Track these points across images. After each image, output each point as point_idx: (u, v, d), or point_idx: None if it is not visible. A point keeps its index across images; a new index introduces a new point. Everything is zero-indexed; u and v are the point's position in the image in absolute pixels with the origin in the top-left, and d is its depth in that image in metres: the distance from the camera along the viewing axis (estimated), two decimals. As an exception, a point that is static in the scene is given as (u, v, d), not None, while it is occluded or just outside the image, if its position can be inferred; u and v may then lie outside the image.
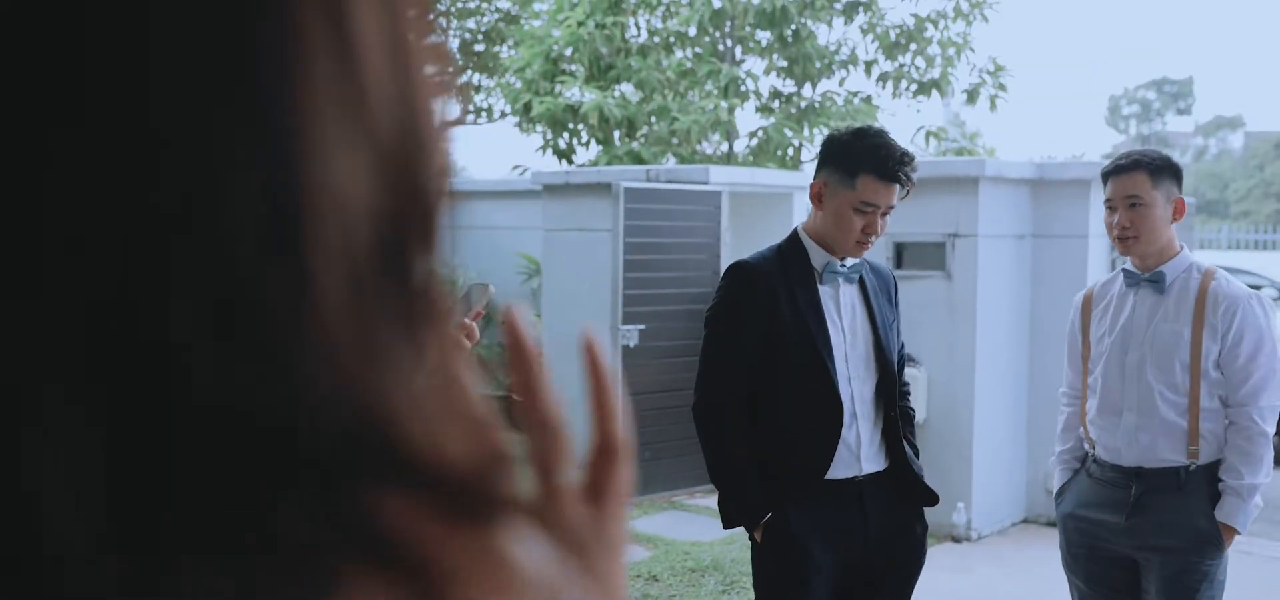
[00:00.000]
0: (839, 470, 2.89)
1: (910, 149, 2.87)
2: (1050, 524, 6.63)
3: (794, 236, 2.98)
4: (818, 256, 2.93)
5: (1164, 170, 3.11)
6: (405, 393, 0.31)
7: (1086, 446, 3.33)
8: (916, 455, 3.04)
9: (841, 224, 2.84)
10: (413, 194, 0.32)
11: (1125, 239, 3.12)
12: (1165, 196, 3.10)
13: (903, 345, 3.14)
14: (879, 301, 3.01)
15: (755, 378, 2.90)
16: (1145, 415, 3.11)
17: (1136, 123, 60.68)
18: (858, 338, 2.96)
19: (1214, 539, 3.06)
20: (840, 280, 2.94)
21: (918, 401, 6.48)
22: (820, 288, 2.92)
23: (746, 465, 2.89)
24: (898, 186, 2.81)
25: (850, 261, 2.95)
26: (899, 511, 2.98)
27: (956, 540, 6.36)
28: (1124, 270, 3.23)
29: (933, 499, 3.00)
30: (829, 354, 2.88)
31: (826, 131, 11.26)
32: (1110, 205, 3.14)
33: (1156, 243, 3.11)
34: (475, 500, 0.32)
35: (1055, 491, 3.43)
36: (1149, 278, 3.14)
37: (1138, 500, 3.13)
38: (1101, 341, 3.24)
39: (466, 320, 1.82)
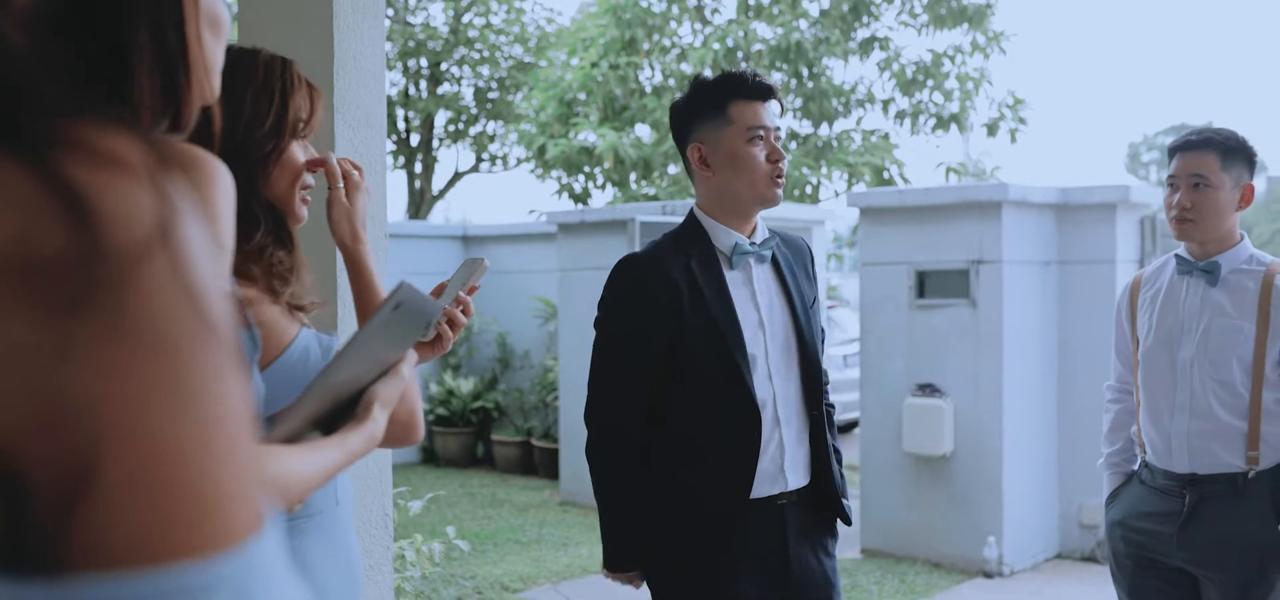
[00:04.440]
0: (762, 487, 2.47)
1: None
2: (1086, 559, 6.43)
3: (691, 219, 2.56)
4: (722, 237, 2.51)
5: (1237, 152, 2.89)
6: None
7: (1138, 450, 3.08)
8: (841, 462, 2.62)
9: (741, 165, 2.46)
10: None
11: (1184, 221, 2.88)
12: (1234, 181, 2.88)
13: (824, 330, 2.70)
14: (797, 282, 2.59)
15: (659, 391, 2.49)
16: (1198, 416, 2.88)
17: (1157, 169, 60.52)
18: (776, 327, 2.53)
19: (1278, 552, 2.82)
20: (751, 262, 2.52)
21: (943, 435, 6.32)
22: (728, 274, 2.50)
23: (634, 507, 2.52)
24: (771, 103, 2.50)
25: (760, 236, 2.54)
26: (815, 533, 2.57)
27: (988, 575, 6.15)
28: (1176, 256, 2.99)
29: (846, 518, 2.59)
30: (741, 352, 2.45)
31: (842, 171, 11.10)
32: (1172, 183, 2.91)
33: (1217, 230, 2.88)
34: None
35: (1105, 497, 3.17)
36: (1203, 267, 2.90)
37: (1193, 509, 2.89)
38: (1149, 335, 3.00)
39: (462, 293, 1.75)
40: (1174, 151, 2.95)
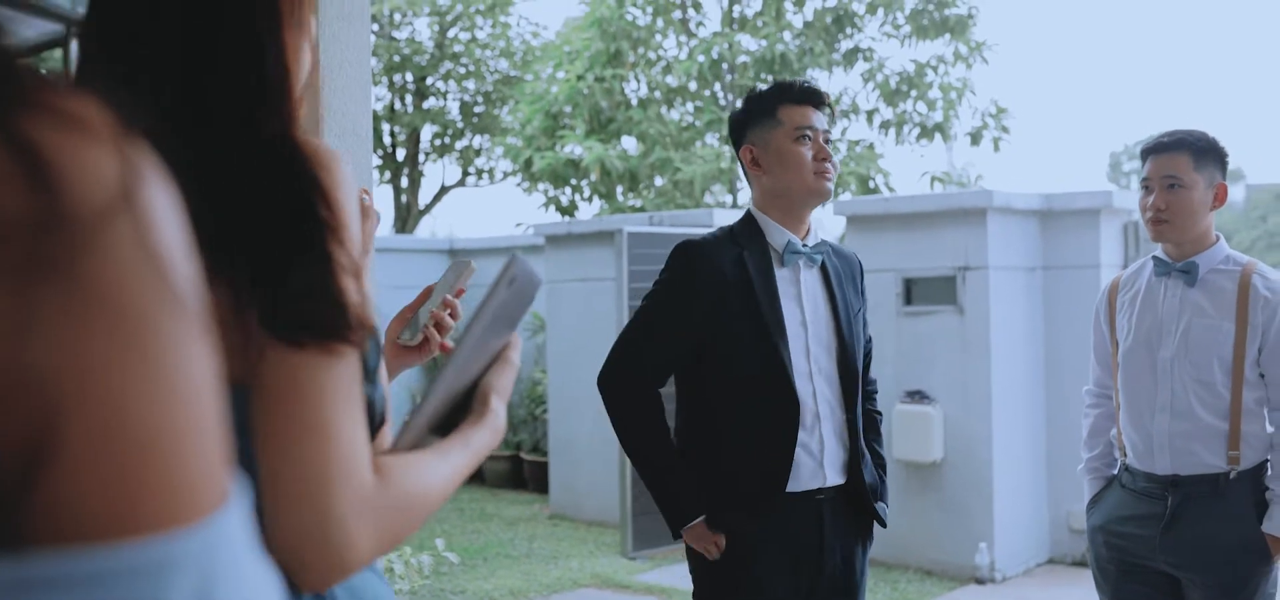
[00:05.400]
0: (801, 481, 2.58)
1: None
2: (1076, 564, 6.43)
3: (747, 217, 2.70)
4: (777, 235, 2.65)
5: (1209, 153, 2.91)
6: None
7: (1118, 453, 3.10)
8: (883, 468, 2.76)
9: (789, 162, 2.61)
10: None
11: (1159, 222, 2.91)
12: (1207, 181, 2.90)
13: (870, 339, 2.86)
14: (844, 289, 2.72)
15: (699, 376, 2.63)
16: (1180, 417, 2.89)
17: (1139, 177, 60.87)
18: (820, 328, 2.66)
19: (1261, 552, 2.82)
20: (801, 263, 2.65)
21: (933, 441, 6.32)
22: (778, 272, 2.63)
23: (672, 452, 2.62)
24: (821, 110, 2.66)
25: (812, 240, 2.68)
26: (852, 531, 2.68)
27: (980, 581, 6.15)
28: (1154, 258, 3.01)
29: (881, 519, 2.70)
30: (785, 347, 2.57)
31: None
32: (1146, 185, 2.95)
33: (1193, 230, 2.91)
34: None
35: (1086, 502, 3.17)
36: (1181, 268, 2.92)
37: (1175, 512, 2.89)
38: (1129, 336, 3.01)
39: (449, 297, 1.73)
40: (1147, 154, 2.99)
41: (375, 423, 1.05)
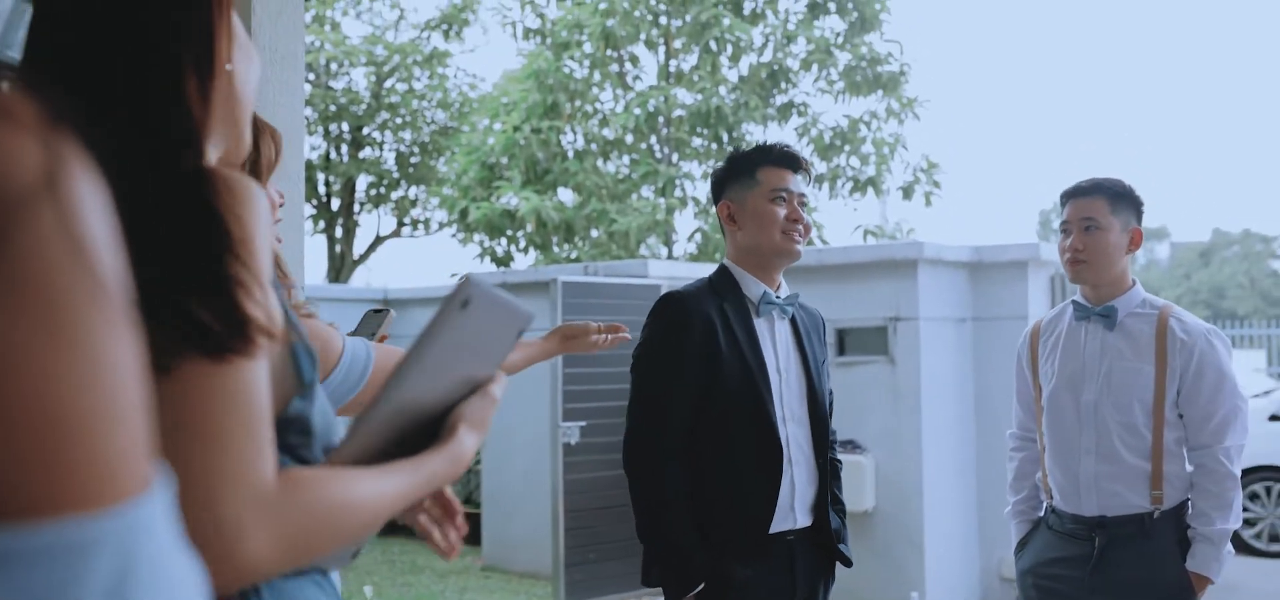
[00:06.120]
0: (778, 522, 2.67)
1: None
2: (1005, 611, 6.50)
3: (722, 270, 2.81)
4: (752, 287, 2.76)
5: (1124, 198, 3.03)
6: None
7: (1044, 496, 3.15)
8: (843, 512, 2.85)
9: (764, 220, 2.72)
10: None
11: (1077, 262, 3.01)
12: (1122, 225, 3.01)
13: (831, 391, 2.93)
14: (812, 341, 2.84)
15: (693, 422, 2.66)
16: (1104, 459, 2.95)
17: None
18: (791, 378, 2.76)
19: (1186, 589, 2.88)
20: (775, 315, 2.77)
21: (866, 491, 6.36)
22: (755, 321, 2.74)
23: (687, 524, 2.61)
24: (798, 174, 2.78)
25: (784, 293, 2.80)
26: (817, 571, 2.77)
27: (911, 631, 6.18)
28: (1074, 302, 3.09)
29: (846, 560, 2.80)
30: (768, 390, 2.67)
31: None
32: (1065, 228, 3.06)
33: (1109, 272, 3.01)
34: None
35: (1013, 546, 3.22)
36: (1100, 312, 3.01)
37: (1102, 552, 2.95)
38: (1052, 380, 3.09)
39: (371, 344, 1.75)
40: (1066, 198, 3.10)
41: (313, 437, 1.05)
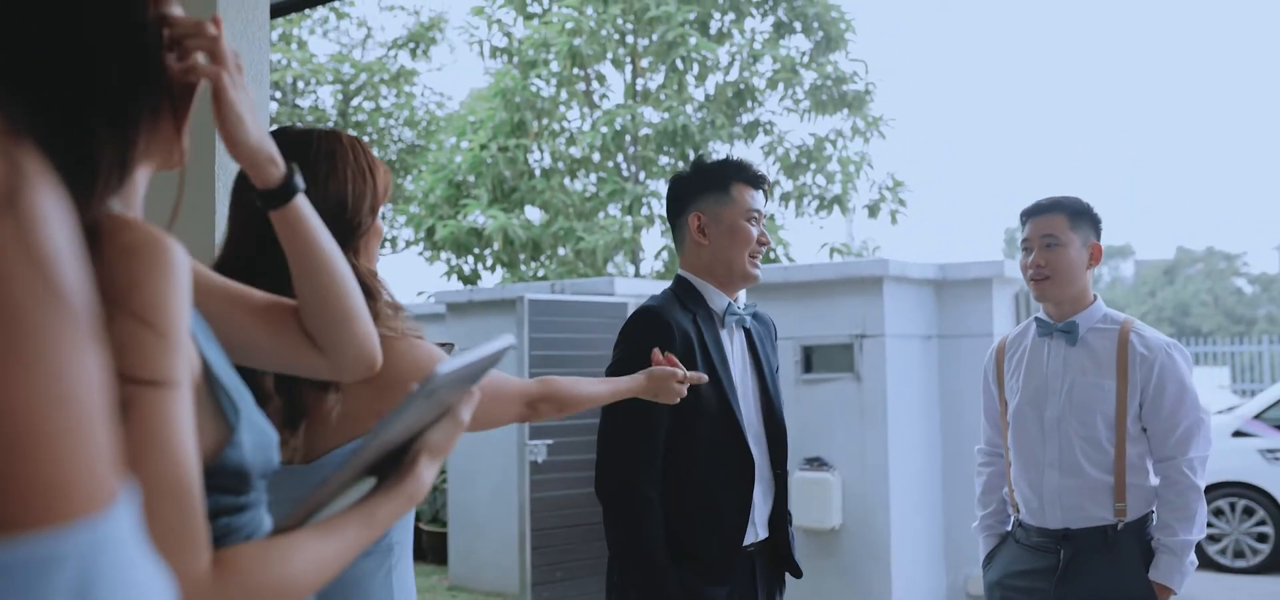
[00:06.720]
0: (746, 536, 2.66)
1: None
2: (972, 627, 6.53)
3: (682, 281, 2.74)
4: (716, 299, 2.74)
5: (1083, 215, 3.08)
6: None
7: (1011, 509, 3.19)
8: (790, 523, 2.80)
9: (738, 240, 2.71)
10: None
11: (1040, 280, 3.06)
12: (1082, 241, 3.07)
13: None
14: (765, 349, 2.82)
15: (670, 440, 2.60)
16: (1068, 473, 2.99)
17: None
18: (748, 389, 2.73)
19: (1149, 599, 2.91)
20: (735, 325, 2.75)
21: (832, 508, 6.38)
22: (721, 333, 2.71)
23: (666, 558, 2.54)
24: (762, 194, 2.79)
25: (743, 301, 2.80)
26: (772, 583, 2.76)
27: (878, 648, 6.19)
28: (1036, 319, 3.14)
29: (797, 570, 2.76)
30: (737, 404, 2.64)
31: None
32: (1027, 246, 3.11)
33: (1071, 287, 3.05)
34: None
35: (981, 558, 3.25)
36: (1062, 328, 3.06)
37: (1068, 564, 2.98)
38: (1017, 396, 3.13)
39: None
40: (1027, 216, 3.15)
41: (249, 477, 0.99)
